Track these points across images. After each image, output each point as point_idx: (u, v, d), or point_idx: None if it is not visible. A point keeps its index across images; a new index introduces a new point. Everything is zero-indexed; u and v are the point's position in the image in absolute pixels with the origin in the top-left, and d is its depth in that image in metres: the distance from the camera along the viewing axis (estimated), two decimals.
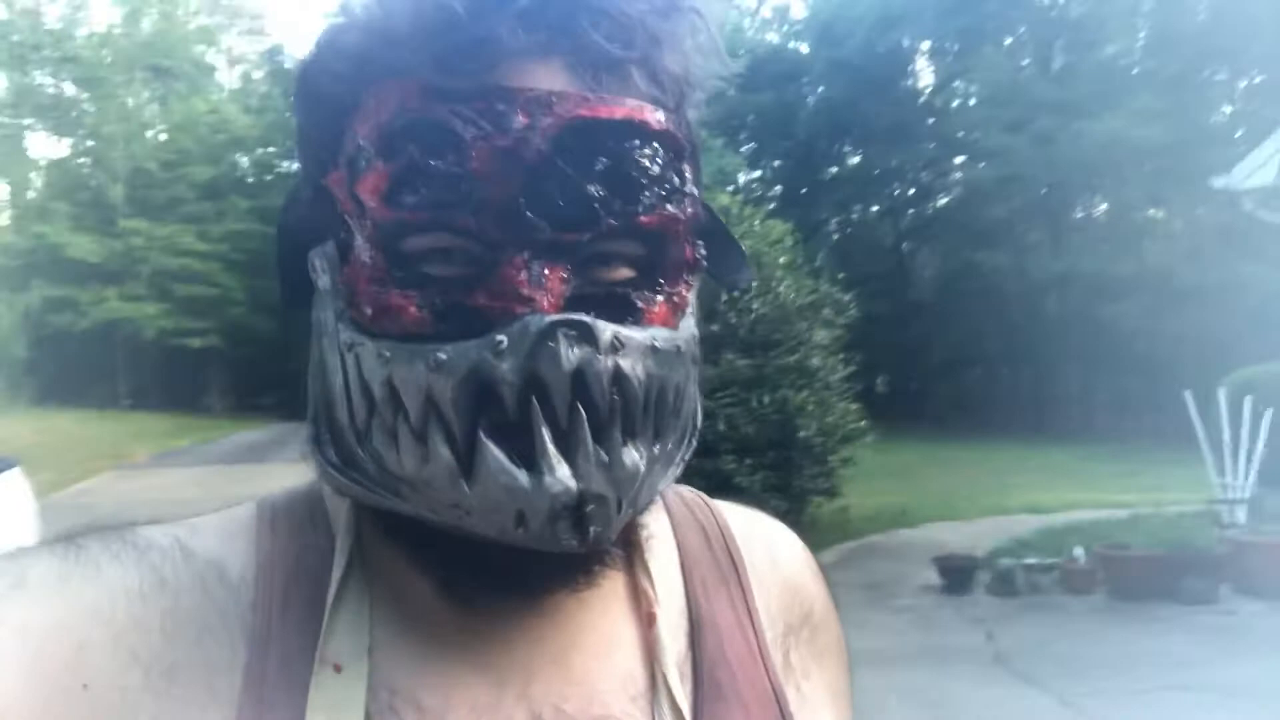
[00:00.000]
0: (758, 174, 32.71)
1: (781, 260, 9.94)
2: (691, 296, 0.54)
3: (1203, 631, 6.29)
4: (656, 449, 0.52)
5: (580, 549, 0.48)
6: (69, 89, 20.77)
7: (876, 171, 31.63)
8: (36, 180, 30.10)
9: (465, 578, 0.52)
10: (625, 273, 0.51)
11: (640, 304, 0.51)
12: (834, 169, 32.48)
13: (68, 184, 31.57)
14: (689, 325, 0.54)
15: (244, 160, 36.38)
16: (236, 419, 26.90)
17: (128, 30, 25.58)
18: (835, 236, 31.91)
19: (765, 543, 0.68)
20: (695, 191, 0.52)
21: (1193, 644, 6.02)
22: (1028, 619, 6.89)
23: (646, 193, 0.49)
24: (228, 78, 39.27)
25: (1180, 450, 12.62)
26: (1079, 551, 7.61)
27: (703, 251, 0.55)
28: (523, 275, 0.47)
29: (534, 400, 0.46)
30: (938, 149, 30.39)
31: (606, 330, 0.47)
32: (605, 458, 0.48)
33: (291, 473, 0.56)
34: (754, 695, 0.59)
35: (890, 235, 32.70)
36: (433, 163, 0.47)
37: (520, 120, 0.46)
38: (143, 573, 0.52)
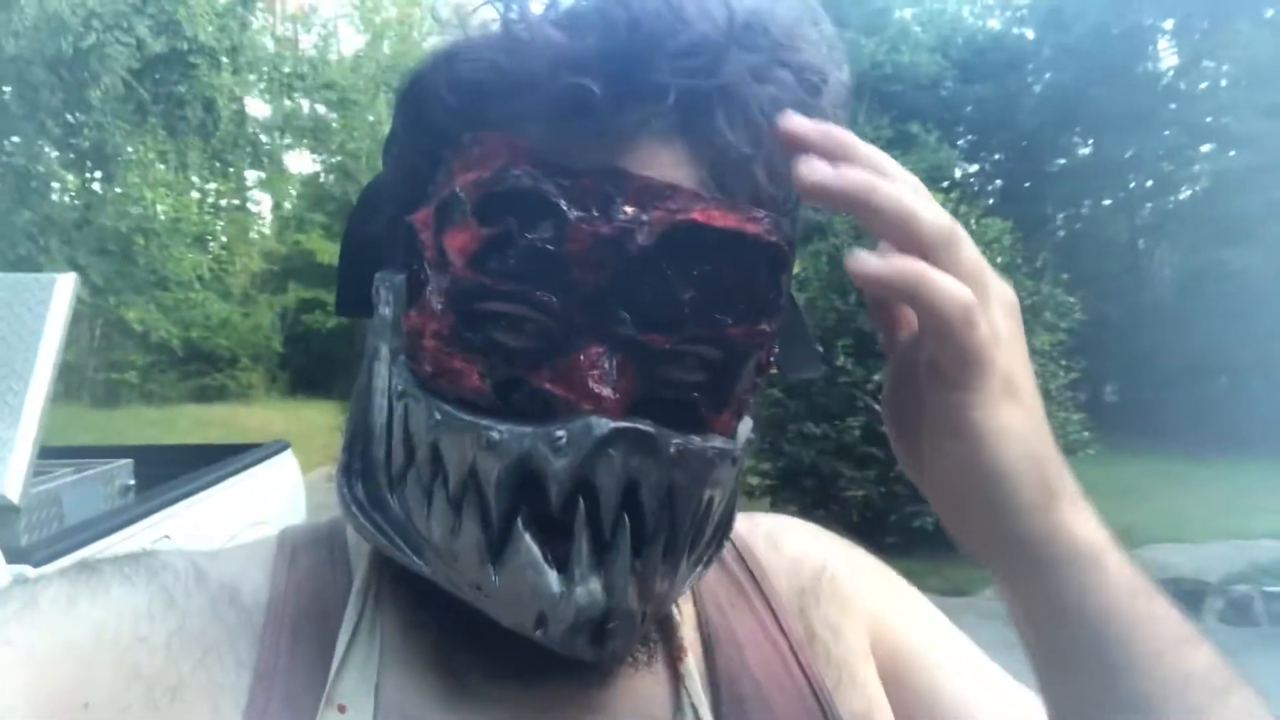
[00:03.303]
0: (975, 168, 31.32)
1: (998, 261, 9.49)
2: (753, 397, 0.52)
3: None
4: (692, 558, 0.50)
5: (595, 660, 0.46)
6: (320, 110, 23.15)
7: (1109, 163, 29.52)
8: (293, 194, 33.58)
9: (462, 652, 0.52)
10: (697, 376, 0.48)
11: (705, 411, 0.48)
12: (1061, 161, 30.56)
13: (319, 196, 34.98)
14: (745, 428, 0.52)
15: None
16: None
17: (371, 54, 27.97)
18: (1061, 233, 29.96)
19: (765, 536, 0.68)
20: (785, 300, 0.50)
21: None
22: (1268, 651, 6.31)
23: (741, 305, 0.47)
24: None
25: None
26: None
27: (775, 352, 0.52)
28: (595, 368, 0.44)
29: (581, 503, 0.44)
30: (1180, 136, 27.92)
31: (669, 443, 0.45)
32: (641, 572, 0.46)
33: None
34: (783, 700, 0.58)
35: (1124, 231, 30.33)
36: (529, 235, 0.44)
37: (628, 210, 0.44)
38: (152, 593, 0.52)
